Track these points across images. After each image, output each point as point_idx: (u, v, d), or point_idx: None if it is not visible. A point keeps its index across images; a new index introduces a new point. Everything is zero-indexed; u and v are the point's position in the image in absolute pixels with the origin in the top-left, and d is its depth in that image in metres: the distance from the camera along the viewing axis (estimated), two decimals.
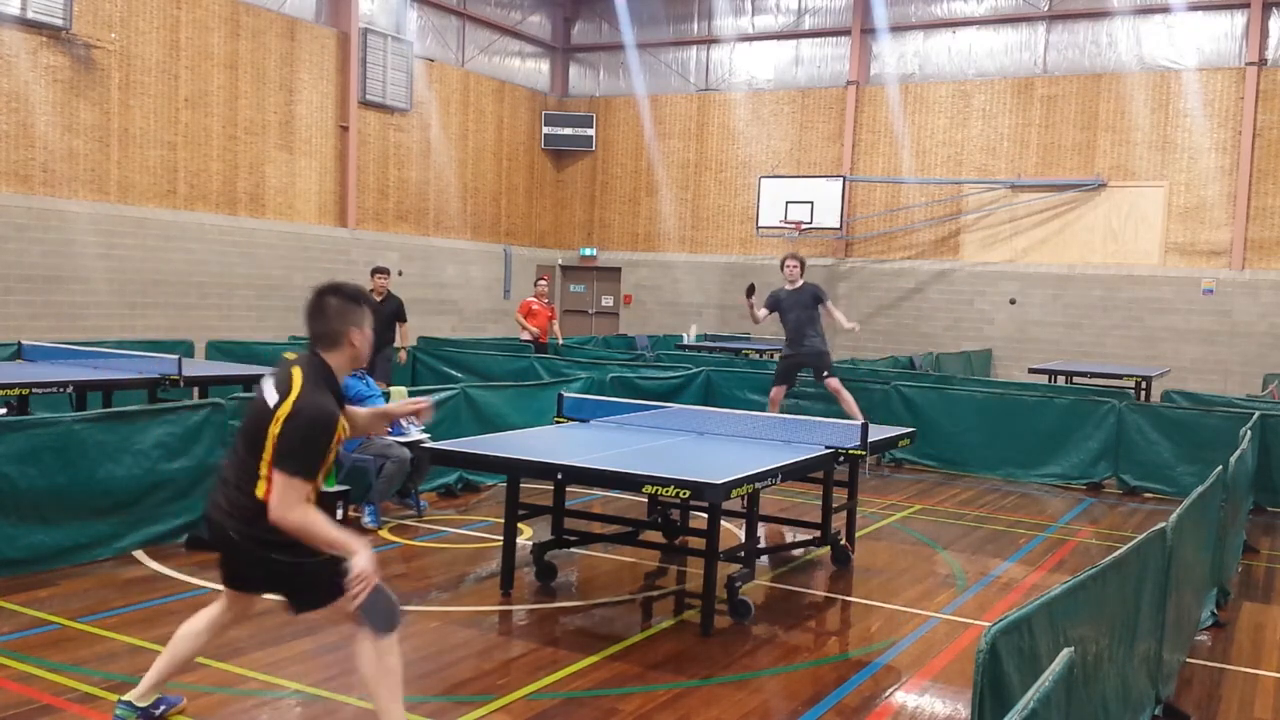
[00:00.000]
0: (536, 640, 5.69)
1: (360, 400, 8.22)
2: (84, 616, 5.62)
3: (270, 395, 3.86)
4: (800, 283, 11.65)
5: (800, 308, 11.61)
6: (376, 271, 13.24)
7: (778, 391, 11.73)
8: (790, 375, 11.86)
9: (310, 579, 3.87)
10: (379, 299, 13.07)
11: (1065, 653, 2.66)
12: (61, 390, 8.54)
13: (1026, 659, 2.82)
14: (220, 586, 4.27)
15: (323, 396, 3.85)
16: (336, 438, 3.91)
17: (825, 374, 11.64)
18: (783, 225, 21.55)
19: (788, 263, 11.74)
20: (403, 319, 13.17)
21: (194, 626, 4.21)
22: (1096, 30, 20.14)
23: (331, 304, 3.96)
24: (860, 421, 10.92)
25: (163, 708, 4.28)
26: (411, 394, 9.15)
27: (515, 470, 6.22)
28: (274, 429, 3.77)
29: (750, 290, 11.91)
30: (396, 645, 3.95)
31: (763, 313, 11.85)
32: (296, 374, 3.86)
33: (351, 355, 4.01)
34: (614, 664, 5.28)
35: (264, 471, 3.80)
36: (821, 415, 10.38)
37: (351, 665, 4.55)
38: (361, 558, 3.71)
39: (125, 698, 4.19)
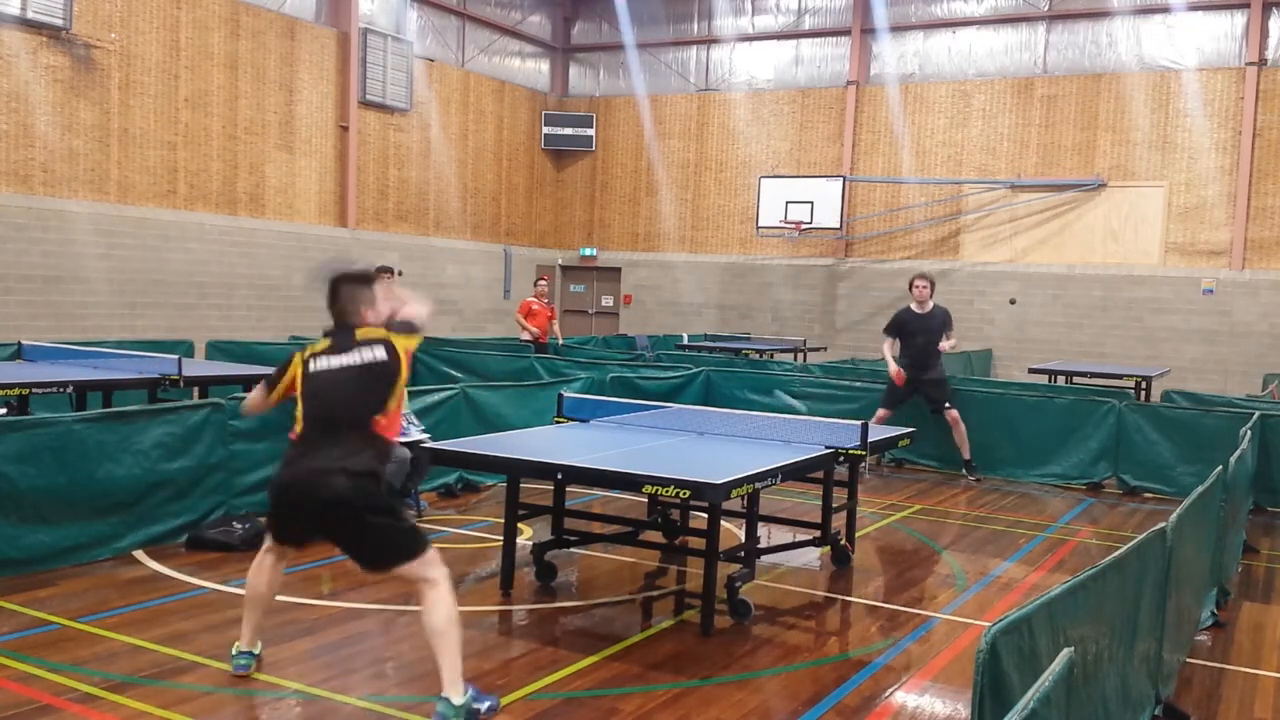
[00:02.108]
0: (536, 640, 5.69)
1: None
2: (84, 616, 5.62)
3: (376, 354, 4.72)
4: (930, 305, 11.05)
5: (928, 332, 10.95)
6: (380, 271, 13.20)
7: (884, 415, 10.87)
8: (902, 399, 11.09)
9: (403, 535, 4.58)
10: None
11: (1065, 653, 2.66)
12: (61, 390, 8.53)
13: (1026, 659, 2.82)
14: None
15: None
16: None
17: (947, 405, 10.99)
18: (783, 225, 21.56)
19: (917, 283, 11.06)
20: None
21: (264, 582, 4.89)
22: (1096, 30, 20.14)
23: (345, 290, 4.79)
24: (967, 457, 10.95)
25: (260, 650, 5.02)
26: (411, 394, 9.15)
27: (515, 470, 6.22)
28: (403, 377, 4.77)
29: (900, 378, 10.97)
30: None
31: (891, 345, 11.11)
32: (377, 331, 4.79)
33: (374, 322, 4.86)
34: (614, 664, 5.28)
35: (390, 410, 4.72)
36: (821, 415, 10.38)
37: (351, 666, 4.55)
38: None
39: (242, 649, 4.91)
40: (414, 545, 4.57)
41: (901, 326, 11.15)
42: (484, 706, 4.55)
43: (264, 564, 4.88)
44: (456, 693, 4.41)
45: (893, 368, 11.08)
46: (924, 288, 11.07)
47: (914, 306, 11.19)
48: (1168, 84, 19.42)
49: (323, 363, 4.75)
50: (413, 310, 5.01)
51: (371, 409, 4.68)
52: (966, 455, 11.12)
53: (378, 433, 4.69)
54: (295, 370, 4.83)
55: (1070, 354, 19.61)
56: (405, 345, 4.79)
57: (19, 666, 4.89)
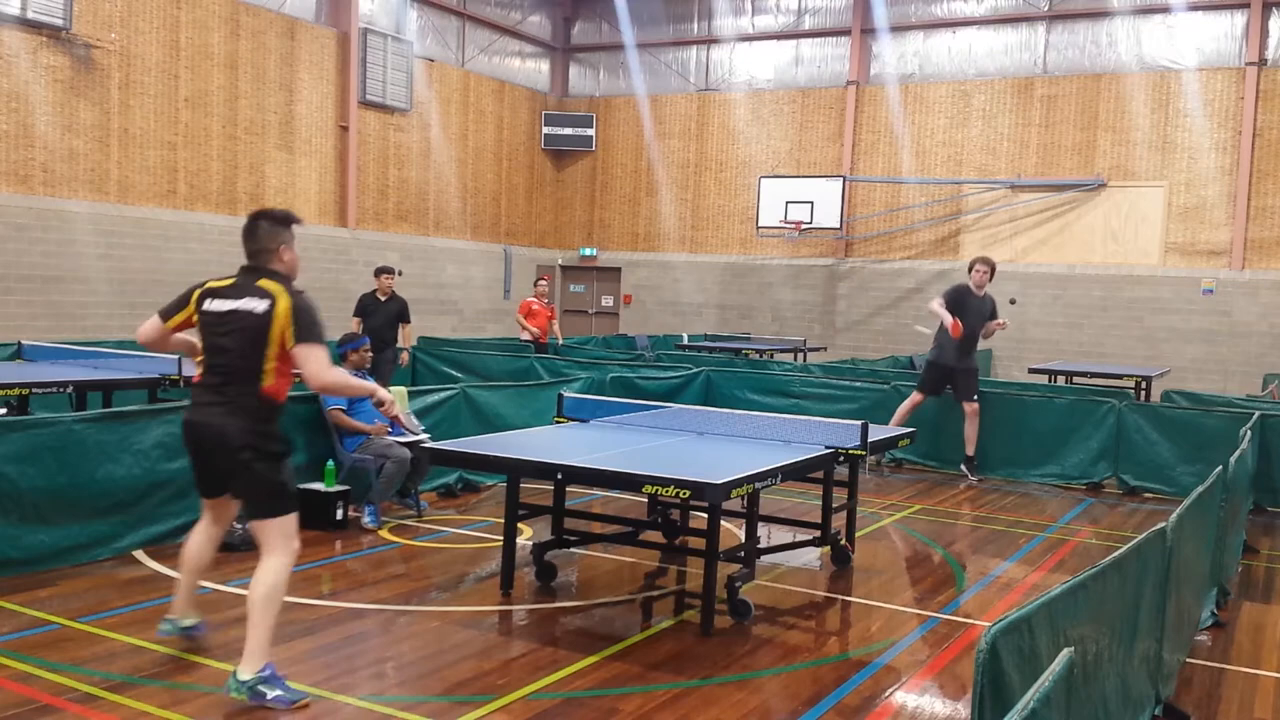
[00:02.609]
0: (536, 640, 5.69)
1: (361, 399, 8.24)
2: (84, 616, 5.63)
3: (255, 305, 4.60)
4: (985, 290, 11.11)
5: (979, 316, 11.01)
6: (381, 271, 13.20)
7: (918, 398, 11.07)
8: (940, 386, 11.14)
9: (276, 491, 4.64)
10: (384, 298, 13.05)
11: (1065, 653, 2.66)
12: (61, 390, 8.53)
13: (1026, 659, 2.82)
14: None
15: (297, 290, 4.71)
16: None
17: (974, 397, 11.04)
18: (783, 225, 21.56)
19: (978, 266, 11.07)
20: (406, 319, 13.13)
21: (195, 545, 5.03)
22: (1096, 30, 20.14)
23: (261, 225, 4.76)
24: (970, 453, 10.95)
25: (201, 630, 5.18)
26: (411, 394, 9.16)
27: (515, 470, 6.22)
28: (282, 323, 4.57)
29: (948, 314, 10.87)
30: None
31: (940, 302, 11.01)
32: (267, 283, 4.66)
33: (287, 268, 4.79)
34: (614, 664, 5.28)
35: (269, 366, 4.59)
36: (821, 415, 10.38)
37: (351, 666, 4.55)
38: (380, 393, 5.01)
39: (170, 618, 5.05)
40: (276, 505, 4.64)
41: (960, 303, 11.02)
42: (271, 695, 4.49)
43: (197, 526, 5.01)
44: (248, 668, 4.48)
45: (948, 318, 10.82)
46: (984, 272, 11.14)
47: (973, 288, 11.18)
48: (1168, 84, 19.43)
49: (214, 304, 4.73)
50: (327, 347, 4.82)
51: (250, 365, 4.61)
52: (970, 451, 11.11)
53: (263, 391, 4.61)
54: (192, 306, 4.81)
55: (1070, 354, 19.61)
56: (285, 323, 4.59)
57: (19, 666, 4.89)
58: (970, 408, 11.06)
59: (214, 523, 5.02)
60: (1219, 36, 19.23)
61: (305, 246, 17.63)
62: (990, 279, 11.24)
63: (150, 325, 4.97)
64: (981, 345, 11.96)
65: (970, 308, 11.12)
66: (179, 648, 5.18)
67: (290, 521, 4.68)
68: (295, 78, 18.61)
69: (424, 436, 8.38)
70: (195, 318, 4.79)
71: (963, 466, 11.17)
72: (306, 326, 4.60)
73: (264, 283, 4.67)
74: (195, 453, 4.81)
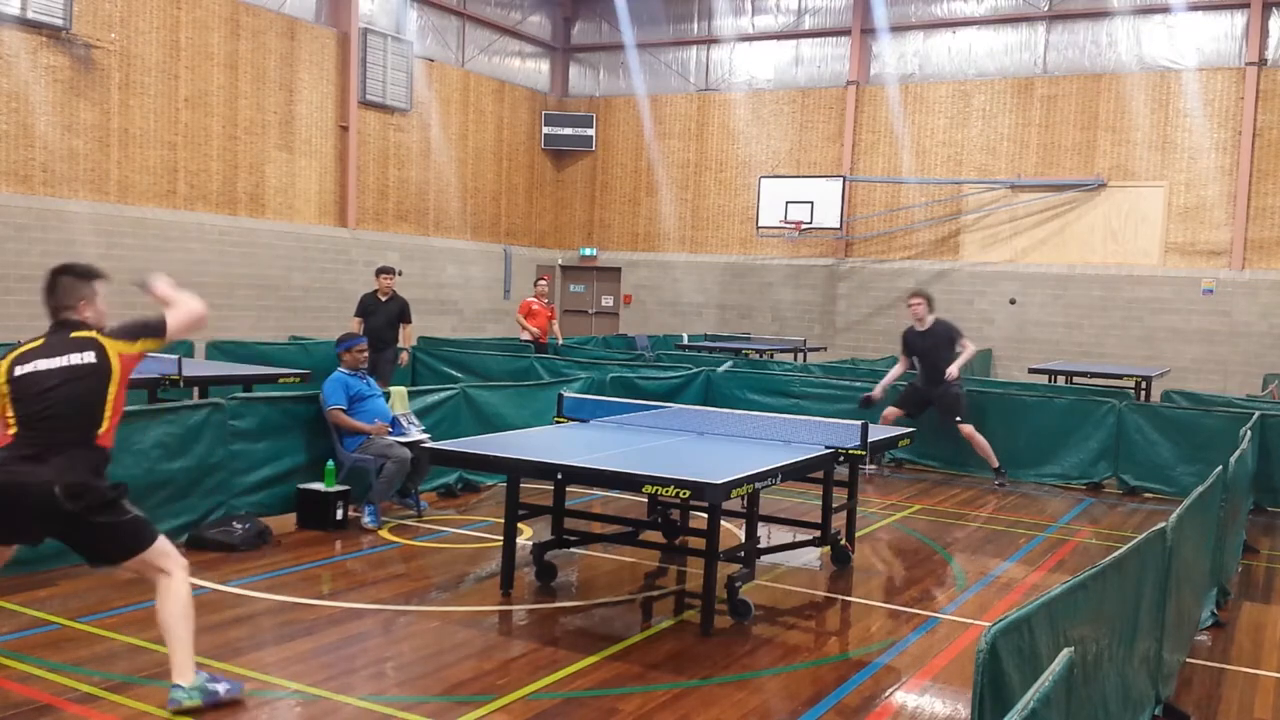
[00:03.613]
0: (536, 640, 5.69)
1: (361, 399, 8.24)
2: (84, 616, 5.63)
3: (81, 358, 4.46)
4: (929, 321, 10.99)
5: (937, 349, 10.90)
6: (382, 271, 13.19)
7: (894, 413, 11.01)
8: (915, 407, 11.06)
9: (129, 529, 4.48)
10: (384, 299, 13.04)
11: (1065, 653, 2.66)
12: None
13: (1026, 659, 2.82)
14: None
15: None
16: None
17: (959, 419, 10.91)
18: (783, 225, 21.55)
19: (911, 302, 11.06)
20: (407, 320, 13.11)
21: None
22: (1096, 30, 20.14)
23: (61, 281, 4.61)
24: (995, 465, 10.87)
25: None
26: (411, 394, 9.15)
27: (515, 470, 6.22)
28: (123, 359, 4.51)
29: (865, 402, 11.17)
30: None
31: (900, 367, 11.26)
32: (80, 333, 4.53)
33: (93, 319, 4.62)
34: (614, 664, 5.28)
35: (107, 415, 4.45)
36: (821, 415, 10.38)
37: (351, 666, 4.56)
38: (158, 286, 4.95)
39: None
40: (142, 537, 4.52)
41: (907, 345, 11.17)
42: (221, 688, 4.55)
43: None
44: (186, 677, 4.48)
45: (877, 389, 11.32)
46: (917, 305, 11.04)
47: (914, 324, 11.15)
48: (1168, 84, 19.42)
49: (29, 365, 4.46)
50: (156, 313, 4.72)
51: (84, 419, 4.43)
52: (994, 464, 10.94)
53: (96, 444, 4.45)
54: (0, 372, 4.49)
55: (1070, 354, 19.61)
56: (121, 350, 4.51)
57: (19, 666, 4.89)
58: (963, 430, 10.91)
59: None
60: (1219, 36, 19.23)
61: (305, 246, 17.62)
62: (928, 309, 11.01)
63: None
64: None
65: (916, 346, 11.07)
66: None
67: (160, 544, 4.55)
68: (295, 78, 18.60)
69: (424, 436, 8.38)
70: (5, 386, 4.45)
71: (994, 479, 10.97)
72: (140, 327, 4.60)
73: (78, 334, 4.52)
74: (5, 512, 4.43)
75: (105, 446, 4.50)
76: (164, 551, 4.57)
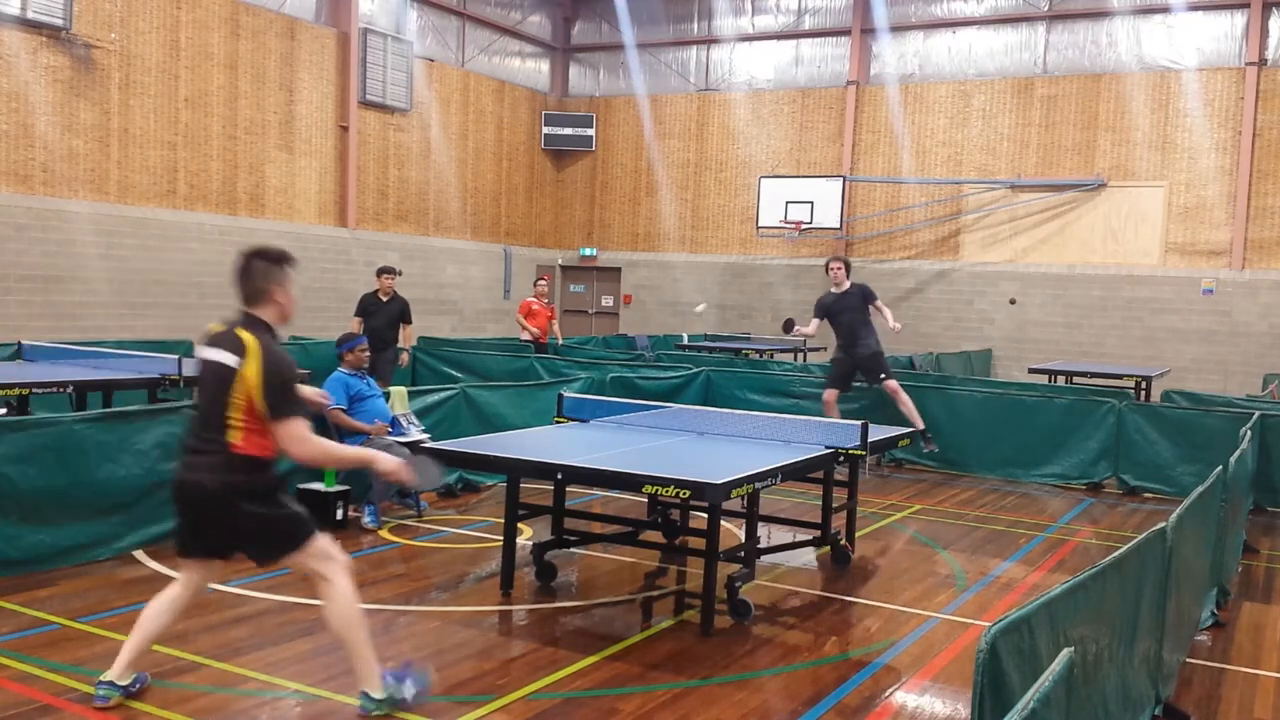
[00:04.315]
0: (536, 640, 5.69)
1: (361, 399, 8.25)
2: (84, 616, 5.63)
3: (225, 358, 4.28)
4: (847, 284, 11.54)
5: (850, 310, 11.45)
6: (383, 271, 13.18)
7: (831, 395, 11.51)
8: (845, 380, 11.61)
9: (281, 528, 4.35)
10: (385, 299, 13.03)
11: (1065, 653, 2.66)
12: (61, 390, 8.53)
13: (1026, 659, 2.82)
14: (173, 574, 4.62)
15: (276, 344, 4.36)
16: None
17: (883, 376, 11.37)
18: (783, 225, 21.55)
19: (832, 265, 11.65)
20: (408, 320, 13.11)
21: (157, 607, 4.52)
22: (1096, 30, 20.14)
23: (255, 265, 4.41)
24: (920, 427, 11.02)
25: (138, 685, 4.60)
26: (411, 394, 9.16)
27: (515, 470, 6.22)
28: (248, 386, 4.22)
29: (788, 325, 11.80)
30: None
31: (813, 325, 11.76)
32: (243, 334, 4.31)
33: (278, 311, 4.44)
34: (614, 664, 5.28)
35: (236, 422, 4.25)
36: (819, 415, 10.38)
37: (351, 666, 4.55)
38: (380, 462, 4.50)
39: (105, 678, 4.48)
40: (304, 532, 4.37)
41: (826, 309, 11.66)
42: (409, 693, 4.53)
43: (169, 593, 4.54)
44: (374, 686, 4.45)
45: (807, 330, 11.97)
46: (839, 269, 11.62)
47: (832, 289, 11.65)
48: (1168, 84, 19.42)
49: (201, 351, 4.46)
50: (302, 411, 4.39)
51: (217, 415, 4.28)
52: (919, 425, 11.13)
53: (235, 450, 4.25)
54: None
55: (1070, 354, 19.61)
56: (249, 372, 4.24)
57: (19, 666, 4.89)
58: (888, 386, 11.30)
59: (185, 587, 4.55)
60: (1219, 36, 19.23)
61: (305, 246, 17.58)
62: (847, 274, 11.63)
63: None
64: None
65: (836, 308, 11.57)
66: (179, 648, 5.18)
67: (318, 543, 4.41)
68: (295, 78, 18.60)
69: (424, 436, 8.38)
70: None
71: (921, 443, 11.26)
72: (277, 401, 4.24)
73: (241, 332, 4.33)
74: (180, 511, 4.45)
75: (246, 454, 4.26)
76: (322, 554, 4.40)
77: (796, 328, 11.84)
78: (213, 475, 4.25)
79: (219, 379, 4.29)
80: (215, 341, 4.38)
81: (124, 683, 4.50)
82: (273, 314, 4.43)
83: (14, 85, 14.74)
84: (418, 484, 4.61)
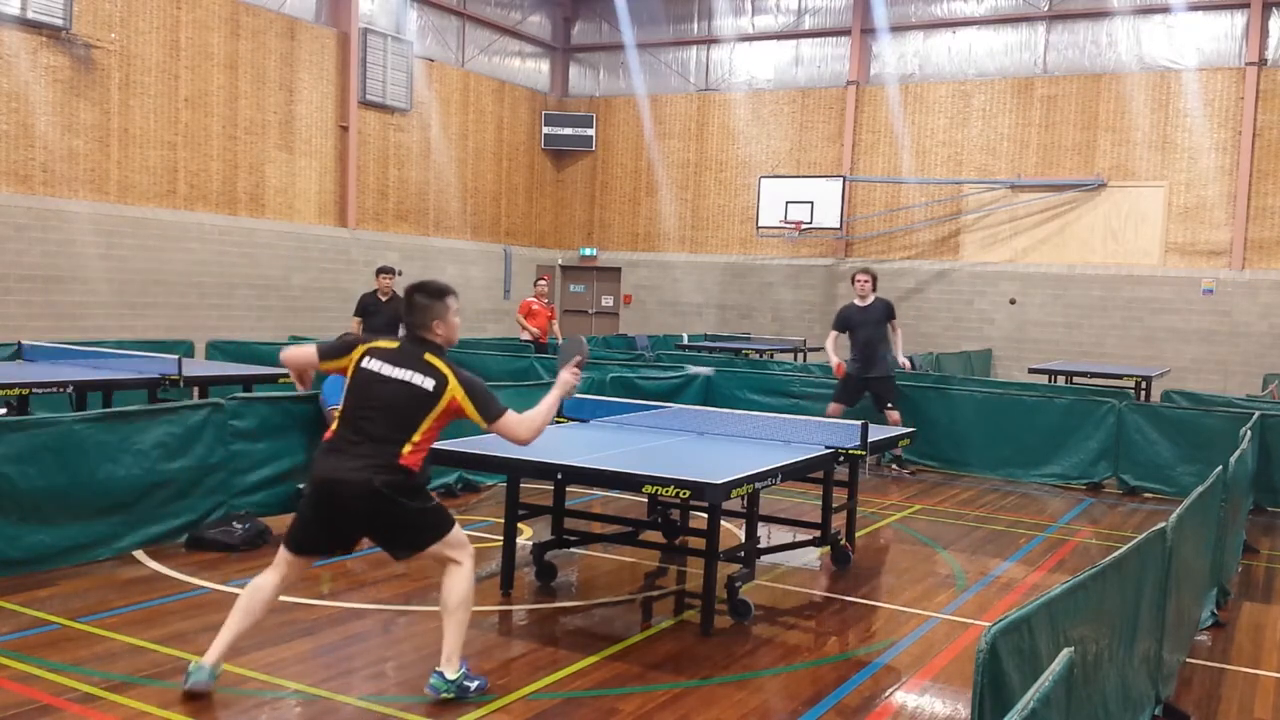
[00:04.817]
0: (536, 640, 5.69)
1: None
2: (84, 616, 5.62)
3: (418, 380, 4.70)
4: (871, 298, 11.14)
5: (871, 325, 11.09)
6: (382, 271, 13.17)
7: (836, 409, 11.08)
8: (854, 397, 11.24)
9: (430, 519, 4.75)
10: (384, 299, 13.04)
11: (1065, 653, 2.66)
12: (61, 390, 8.53)
13: (1026, 659, 2.82)
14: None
15: (459, 365, 4.82)
16: None
17: (890, 406, 11.00)
18: (783, 225, 21.55)
19: (859, 277, 11.17)
20: None
21: (262, 594, 4.77)
22: (1096, 30, 20.14)
23: (417, 301, 4.86)
24: (897, 452, 10.87)
25: (220, 670, 4.78)
26: None
27: (515, 470, 6.22)
28: (458, 404, 4.69)
29: (840, 371, 11.30)
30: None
31: (832, 339, 11.47)
32: (433, 358, 4.76)
33: (443, 340, 4.88)
34: (614, 664, 5.28)
35: (415, 440, 4.67)
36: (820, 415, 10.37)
37: (351, 666, 4.55)
38: (567, 388, 5.25)
39: (201, 662, 4.66)
40: (446, 523, 4.80)
41: (847, 321, 11.31)
42: (474, 685, 4.74)
43: (268, 576, 4.80)
44: (451, 668, 4.69)
45: (833, 360, 11.40)
46: (865, 282, 11.15)
47: (856, 300, 11.29)
48: (1168, 84, 19.42)
49: (375, 364, 4.77)
50: (503, 405, 4.84)
51: (399, 431, 4.66)
52: (898, 452, 11.18)
53: (401, 460, 4.63)
54: (353, 358, 4.83)
55: (1070, 354, 19.61)
56: (457, 395, 4.69)
57: (19, 666, 4.89)
58: (891, 416, 10.91)
59: (287, 575, 4.84)
60: (1219, 36, 19.24)
61: (305, 246, 17.61)
62: (873, 287, 11.20)
63: (302, 352, 5.07)
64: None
65: (856, 321, 11.22)
66: (179, 648, 5.18)
67: (458, 532, 4.82)
68: (295, 78, 18.60)
69: None
70: (351, 373, 4.81)
71: (893, 465, 11.28)
72: (487, 406, 4.74)
73: (431, 358, 4.75)
74: (322, 508, 4.72)
75: (410, 469, 4.66)
76: (457, 541, 4.79)
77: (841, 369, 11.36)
78: (384, 477, 4.59)
79: (413, 399, 4.67)
80: (398, 361, 4.76)
81: (220, 670, 4.74)
82: (440, 338, 4.87)
83: (14, 85, 14.74)
84: (583, 360, 5.27)
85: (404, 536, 4.74)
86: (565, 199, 25.19)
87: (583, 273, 25.26)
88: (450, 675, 4.68)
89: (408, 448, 4.65)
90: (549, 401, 5.01)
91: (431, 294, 4.86)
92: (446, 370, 4.72)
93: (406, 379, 4.70)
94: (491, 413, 4.73)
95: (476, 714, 4.59)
